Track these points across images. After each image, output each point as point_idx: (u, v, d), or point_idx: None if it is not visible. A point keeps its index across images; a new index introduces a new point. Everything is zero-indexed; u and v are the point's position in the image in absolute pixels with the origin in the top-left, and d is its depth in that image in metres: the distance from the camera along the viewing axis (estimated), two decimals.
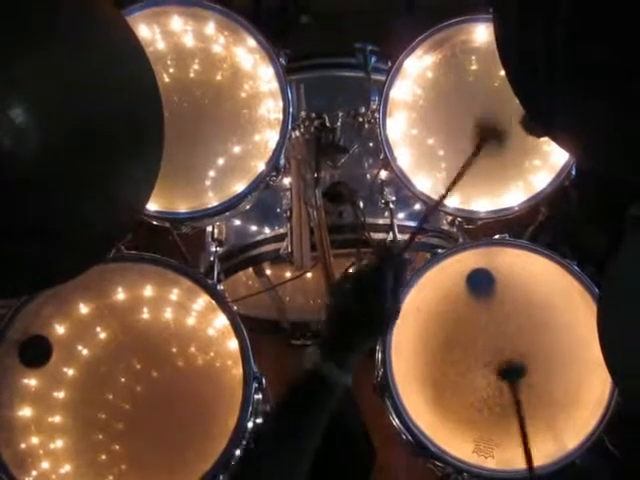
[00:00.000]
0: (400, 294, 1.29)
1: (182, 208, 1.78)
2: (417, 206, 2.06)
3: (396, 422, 1.68)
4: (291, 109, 1.76)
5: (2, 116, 1.20)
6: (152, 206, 1.74)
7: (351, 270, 1.51)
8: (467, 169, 1.51)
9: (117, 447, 1.66)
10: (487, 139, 1.57)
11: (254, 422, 1.69)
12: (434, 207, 1.70)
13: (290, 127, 1.77)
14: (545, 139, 1.85)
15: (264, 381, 1.72)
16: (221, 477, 1.57)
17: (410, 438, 1.65)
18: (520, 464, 1.60)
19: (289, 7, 3.01)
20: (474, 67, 1.90)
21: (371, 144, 2.06)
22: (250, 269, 2.20)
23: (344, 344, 1.23)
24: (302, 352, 2.32)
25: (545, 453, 1.57)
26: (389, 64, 1.84)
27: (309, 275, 2.23)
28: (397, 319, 1.29)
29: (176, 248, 2.30)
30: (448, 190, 1.49)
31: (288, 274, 2.22)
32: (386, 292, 1.23)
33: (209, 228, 2.13)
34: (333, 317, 1.27)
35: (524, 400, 1.64)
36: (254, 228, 2.11)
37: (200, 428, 1.65)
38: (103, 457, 1.65)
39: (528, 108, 1.33)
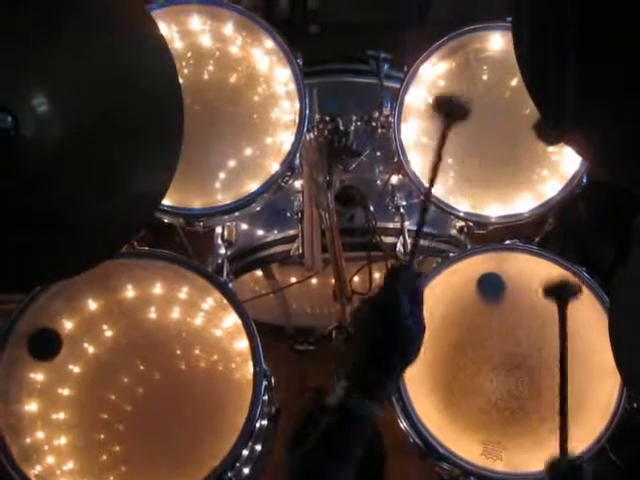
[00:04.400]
0: (420, 312, 1.20)
1: (196, 204, 1.79)
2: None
3: (404, 424, 1.68)
4: (308, 110, 1.78)
5: (25, 104, 1.21)
6: (166, 201, 1.73)
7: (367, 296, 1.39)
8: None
9: (117, 448, 1.65)
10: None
11: (260, 423, 1.68)
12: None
13: (306, 128, 1.78)
14: (554, 149, 1.88)
15: (273, 380, 1.71)
16: (229, 474, 1.57)
17: (418, 440, 1.65)
18: (528, 467, 1.61)
19: (298, 16, 3.05)
20: (485, 77, 1.92)
21: (383, 149, 2.07)
22: (257, 273, 2.21)
23: (375, 375, 1.15)
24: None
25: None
26: (405, 69, 1.87)
27: (315, 281, 2.23)
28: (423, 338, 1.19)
29: (182, 250, 2.30)
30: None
31: (295, 279, 2.22)
32: (406, 312, 1.15)
33: (218, 229, 2.13)
34: (359, 347, 1.18)
35: (532, 403, 1.65)
36: (264, 230, 2.11)
37: (208, 427, 1.65)
38: (104, 457, 1.64)
39: (543, 111, 1.33)
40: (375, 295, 1.20)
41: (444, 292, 1.77)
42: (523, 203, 1.87)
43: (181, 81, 1.81)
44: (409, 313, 1.15)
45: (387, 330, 1.14)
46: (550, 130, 1.48)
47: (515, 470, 1.61)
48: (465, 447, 1.64)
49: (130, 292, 1.74)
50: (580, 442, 1.63)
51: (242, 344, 1.69)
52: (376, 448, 1.66)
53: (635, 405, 1.61)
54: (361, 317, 1.19)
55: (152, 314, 1.74)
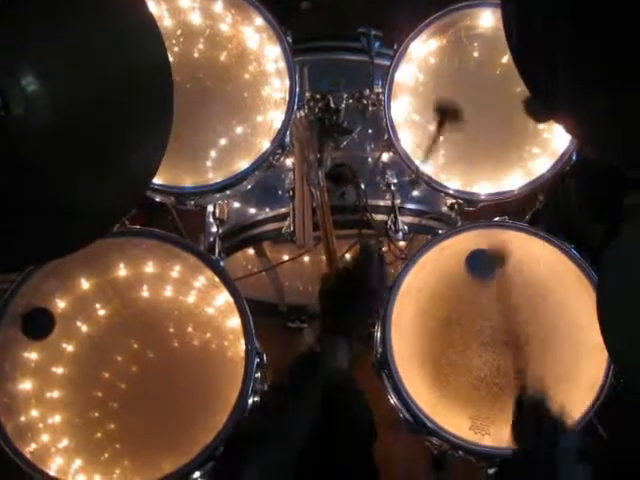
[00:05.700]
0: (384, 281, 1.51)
1: (187, 183, 1.79)
2: (417, 189, 2.08)
3: (394, 399, 1.70)
4: (297, 88, 1.77)
5: (14, 83, 1.20)
6: (157, 180, 1.74)
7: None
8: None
9: (112, 426, 1.66)
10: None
11: (253, 400, 1.70)
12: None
13: (296, 106, 1.78)
14: (544, 126, 1.88)
15: (265, 358, 1.73)
16: (222, 450, 1.58)
17: (408, 415, 1.67)
18: None
19: None
20: (476, 54, 1.91)
21: (374, 127, 2.07)
22: (249, 251, 2.22)
23: (337, 324, 1.42)
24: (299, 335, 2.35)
25: None
26: (395, 46, 1.86)
27: (307, 259, 2.24)
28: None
29: (174, 229, 2.30)
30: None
31: (286, 257, 2.23)
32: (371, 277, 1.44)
33: (210, 208, 2.13)
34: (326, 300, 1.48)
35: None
36: (255, 208, 2.12)
37: (201, 404, 1.66)
38: (99, 435, 1.65)
39: (532, 89, 1.33)
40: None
41: (434, 269, 1.78)
42: (513, 180, 1.88)
43: (171, 59, 1.81)
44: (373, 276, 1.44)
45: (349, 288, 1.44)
46: (540, 108, 1.49)
47: (503, 445, 1.63)
48: (454, 422, 1.66)
49: (122, 271, 1.74)
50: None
51: (234, 322, 1.70)
52: (366, 423, 1.67)
53: (622, 381, 1.63)
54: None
55: (145, 293, 1.75)
